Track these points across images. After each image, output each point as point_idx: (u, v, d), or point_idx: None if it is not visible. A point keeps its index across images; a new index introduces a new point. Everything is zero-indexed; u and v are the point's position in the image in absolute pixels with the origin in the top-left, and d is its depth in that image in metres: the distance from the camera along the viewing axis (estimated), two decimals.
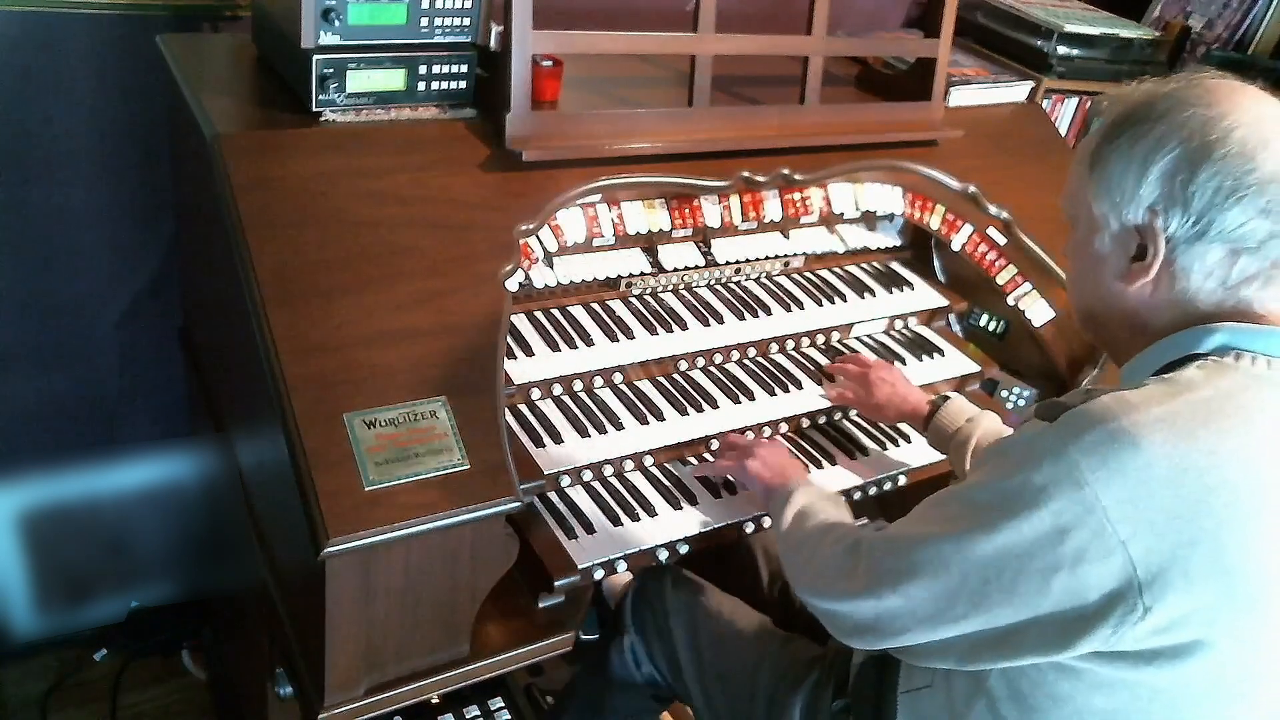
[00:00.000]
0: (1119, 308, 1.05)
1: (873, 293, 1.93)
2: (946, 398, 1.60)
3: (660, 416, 1.57)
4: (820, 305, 1.85)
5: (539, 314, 1.63)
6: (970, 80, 2.12)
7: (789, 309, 1.81)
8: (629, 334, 1.63)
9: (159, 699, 2.14)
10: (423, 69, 1.42)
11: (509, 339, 1.50)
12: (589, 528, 1.42)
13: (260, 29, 1.53)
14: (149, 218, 1.85)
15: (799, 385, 1.71)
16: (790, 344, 1.80)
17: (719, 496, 1.53)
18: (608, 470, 1.51)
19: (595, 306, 1.67)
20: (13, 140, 1.68)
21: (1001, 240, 1.89)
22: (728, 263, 1.80)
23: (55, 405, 1.92)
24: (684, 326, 1.68)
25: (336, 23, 1.32)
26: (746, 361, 1.75)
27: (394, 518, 1.09)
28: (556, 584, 1.31)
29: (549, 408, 1.54)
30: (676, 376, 1.67)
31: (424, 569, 1.16)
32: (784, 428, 1.68)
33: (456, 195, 1.38)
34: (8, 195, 1.72)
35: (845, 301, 1.88)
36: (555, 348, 1.56)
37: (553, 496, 1.45)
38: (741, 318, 1.75)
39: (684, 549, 1.44)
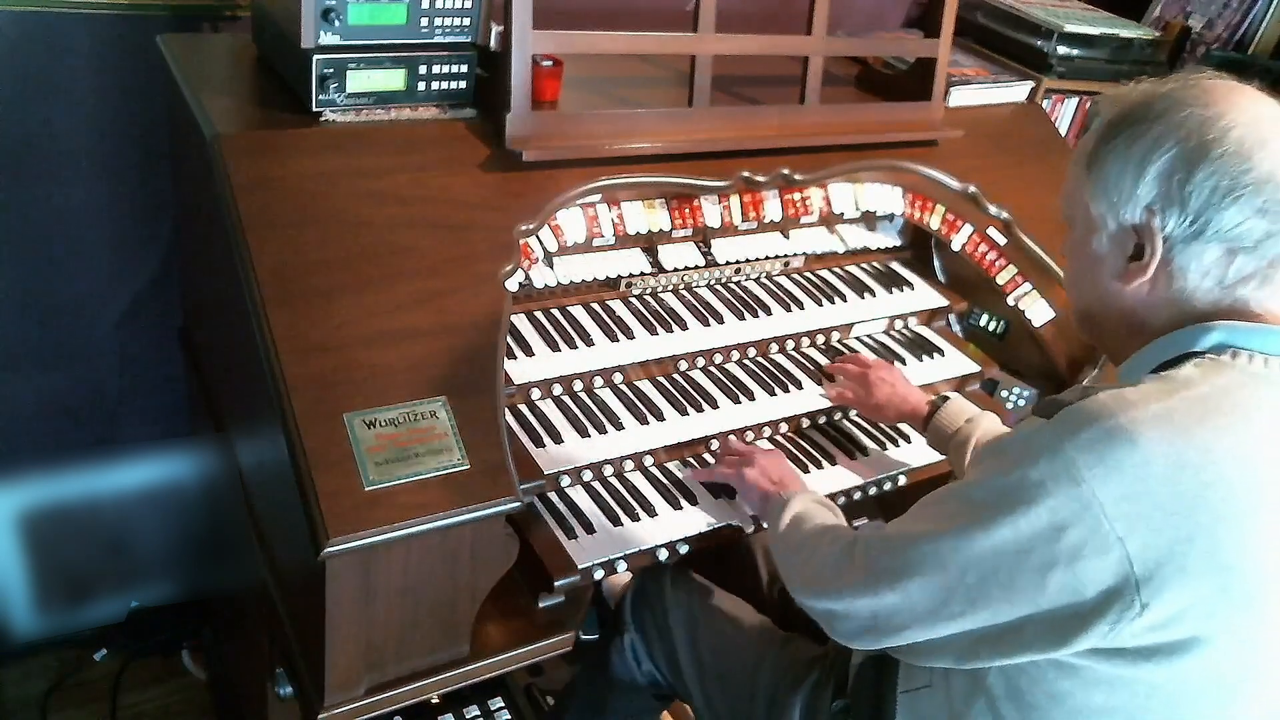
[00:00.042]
0: (1116, 307, 1.05)
1: (873, 293, 1.93)
2: (946, 398, 1.60)
3: (660, 416, 1.57)
4: (820, 305, 1.85)
5: (539, 314, 1.63)
6: (970, 80, 2.12)
7: (789, 309, 1.81)
8: (629, 334, 1.63)
9: (159, 699, 2.14)
10: (423, 69, 1.42)
11: (509, 339, 1.50)
12: (589, 528, 1.42)
13: (260, 29, 1.53)
14: (149, 218, 1.85)
15: (799, 385, 1.71)
16: (790, 344, 1.80)
17: (719, 497, 1.53)
18: (608, 470, 1.51)
19: (595, 306, 1.67)
20: (13, 140, 1.68)
21: (1001, 240, 1.89)
22: (728, 263, 1.80)
23: (55, 405, 1.92)
24: (684, 326, 1.68)
25: (336, 23, 1.32)
26: (746, 361, 1.75)
27: (394, 518, 1.09)
28: (556, 584, 1.31)
29: (549, 408, 1.54)
30: (676, 376, 1.67)
31: (424, 569, 1.16)
32: (784, 428, 1.68)
33: (456, 195, 1.38)
34: (8, 195, 1.72)
35: (845, 301, 1.88)
36: (555, 348, 1.56)
37: (553, 496, 1.45)
38: (741, 318, 1.75)
39: (684, 549, 1.44)
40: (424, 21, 1.39)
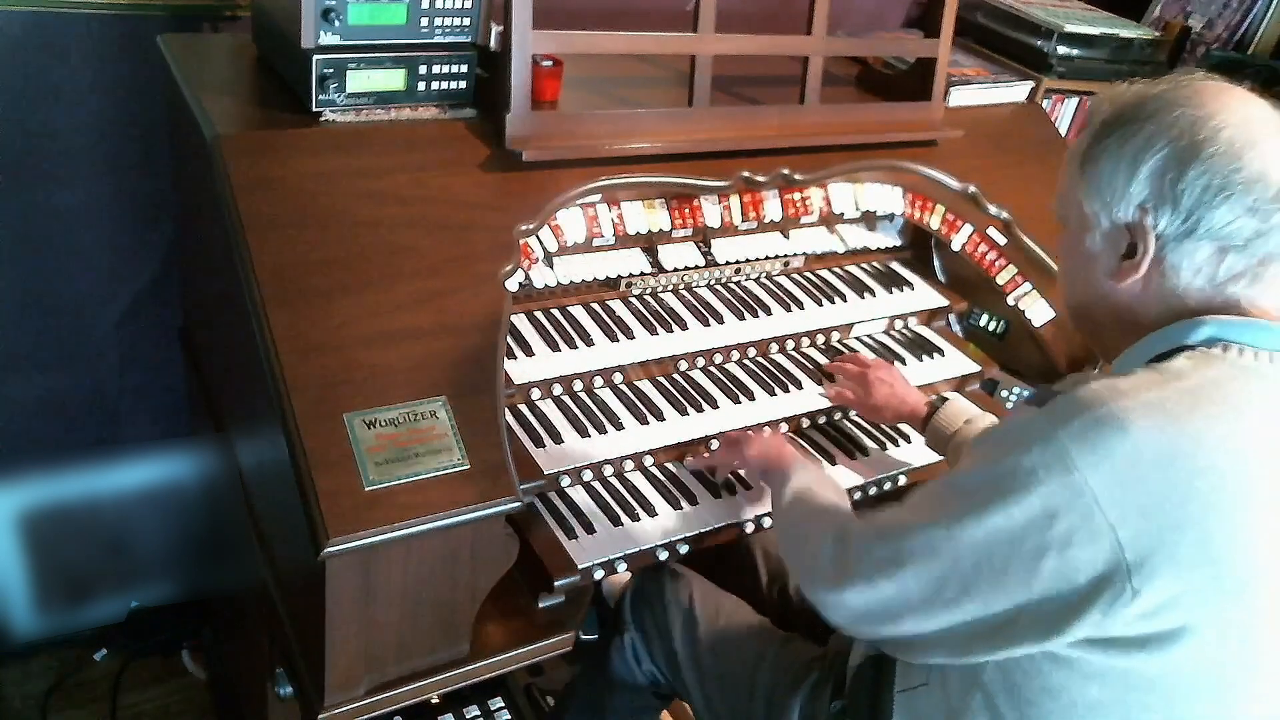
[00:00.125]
0: (1110, 305, 1.06)
1: (873, 293, 1.93)
2: (945, 399, 1.60)
3: (660, 416, 1.57)
4: (820, 305, 1.85)
5: (539, 314, 1.63)
6: (970, 80, 2.12)
7: (789, 309, 1.81)
8: (629, 334, 1.63)
9: (159, 699, 2.14)
10: (423, 69, 1.42)
11: (509, 339, 1.50)
12: (589, 528, 1.42)
13: (260, 29, 1.53)
14: (149, 218, 1.85)
15: (799, 385, 1.71)
16: (790, 344, 1.80)
17: (719, 496, 1.53)
18: (608, 470, 1.51)
19: (595, 306, 1.67)
20: (13, 140, 1.68)
21: (1001, 240, 1.89)
22: (728, 263, 1.80)
23: (55, 405, 1.92)
24: (684, 326, 1.68)
25: (336, 23, 1.32)
26: (746, 361, 1.75)
27: (394, 518, 1.09)
28: (556, 584, 1.31)
29: (549, 408, 1.54)
30: (676, 376, 1.67)
31: (424, 569, 1.16)
32: (784, 428, 1.68)
33: (456, 195, 1.38)
34: (8, 195, 1.72)
35: (845, 301, 1.88)
36: (555, 348, 1.56)
37: (553, 496, 1.45)
38: (741, 318, 1.75)
39: (684, 549, 1.44)
40: (424, 21, 1.39)
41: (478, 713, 1.60)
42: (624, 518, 1.44)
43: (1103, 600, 0.90)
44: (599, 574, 1.38)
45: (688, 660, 1.48)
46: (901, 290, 1.97)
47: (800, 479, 1.32)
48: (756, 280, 1.86)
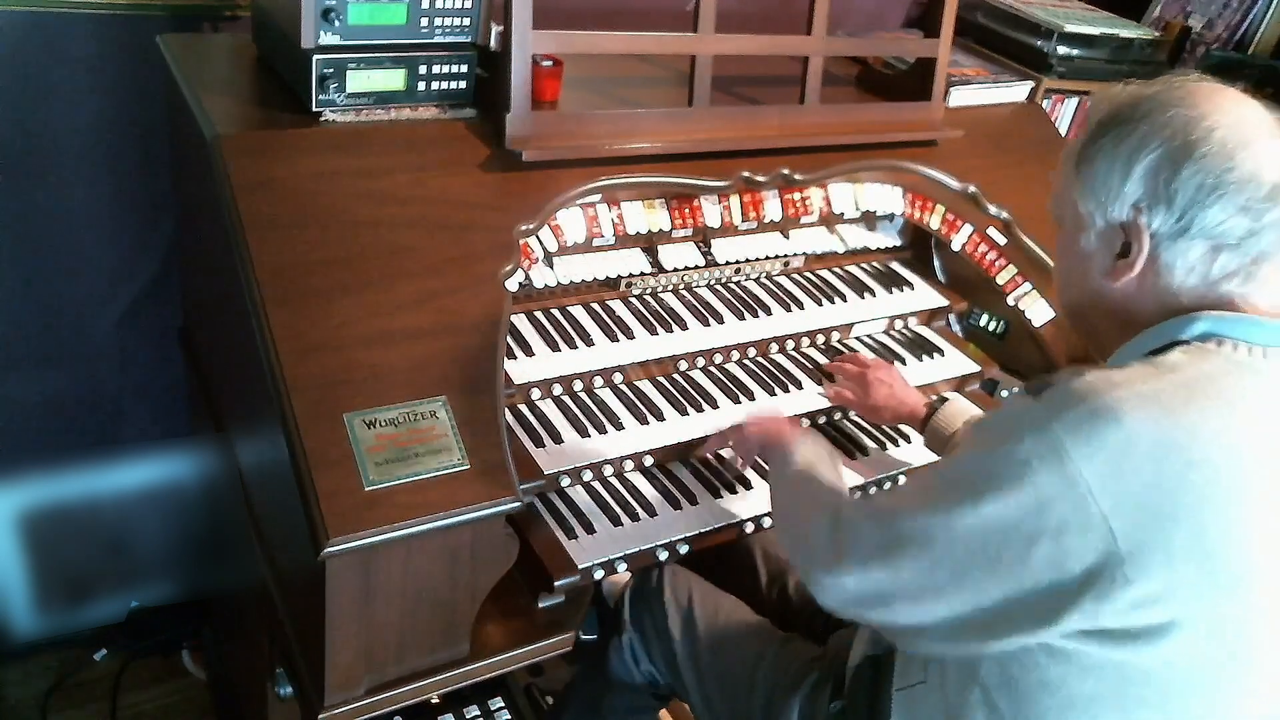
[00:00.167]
0: (1105, 303, 1.07)
1: (873, 293, 1.93)
2: (945, 399, 1.60)
3: (660, 416, 1.57)
4: (820, 305, 1.85)
5: (539, 314, 1.63)
6: (970, 80, 2.12)
7: (789, 309, 1.81)
8: (629, 334, 1.63)
9: (159, 699, 2.14)
10: (423, 69, 1.42)
11: (509, 339, 1.50)
12: (589, 528, 1.42)
13: (260, 29, 1.53)
14: (149, 218, 1.85)
15: (799, 385, 1.71)
16: (790, 344, 1.80)
17: (719, 496, 1.53)
18: (608, 470, 1.52)
19: (595, 306, 1.67)
20: (13, 140, 1.68)
21: (1001, 240, 1.89)
22: (728, 263, 1.80)
23: (55, 405, 1.92)
24: (684, 326, 1.68)
25: (336, 23, 1.32)
26: (746, 361, 1.75)
27: (394, 518, 1.09)
28: (556, 584, 1.31)
29: (549, 408, 1.54)
30: (676, 376, 1.67)
31: (424, 569, 1.16)
32: None
33: (456, 195, 1.38)
34: (8, 195, 1.72)
35: (845, 301, 1.88)
36: (555, 348, 1.56)
37: (553, 496, 1.45)
38: (741, 318, 1.75)
39: (684, 549, 1.44)
40: (424, 21, 1.39)
41: (478, 713, 1.60)
42: (624, 518, 1.44)
43: (1095, 590, 0.90)
44: (599, 574, 1.38)
45: (686, 660, 1.48)
46: (901, 290, 1.97)
47: (797, 458, 1.32)
48: (756, 280, 1.86)
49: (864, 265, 2.01)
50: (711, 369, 1.71)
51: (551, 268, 1.62)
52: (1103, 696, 0.96)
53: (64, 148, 1.72)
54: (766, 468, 1.44)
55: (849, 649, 1.33)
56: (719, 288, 1.81)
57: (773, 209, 1.74)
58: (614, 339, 1.61)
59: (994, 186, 1.89)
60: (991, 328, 1.99)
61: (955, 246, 1.91)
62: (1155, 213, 1.00)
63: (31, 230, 1.76)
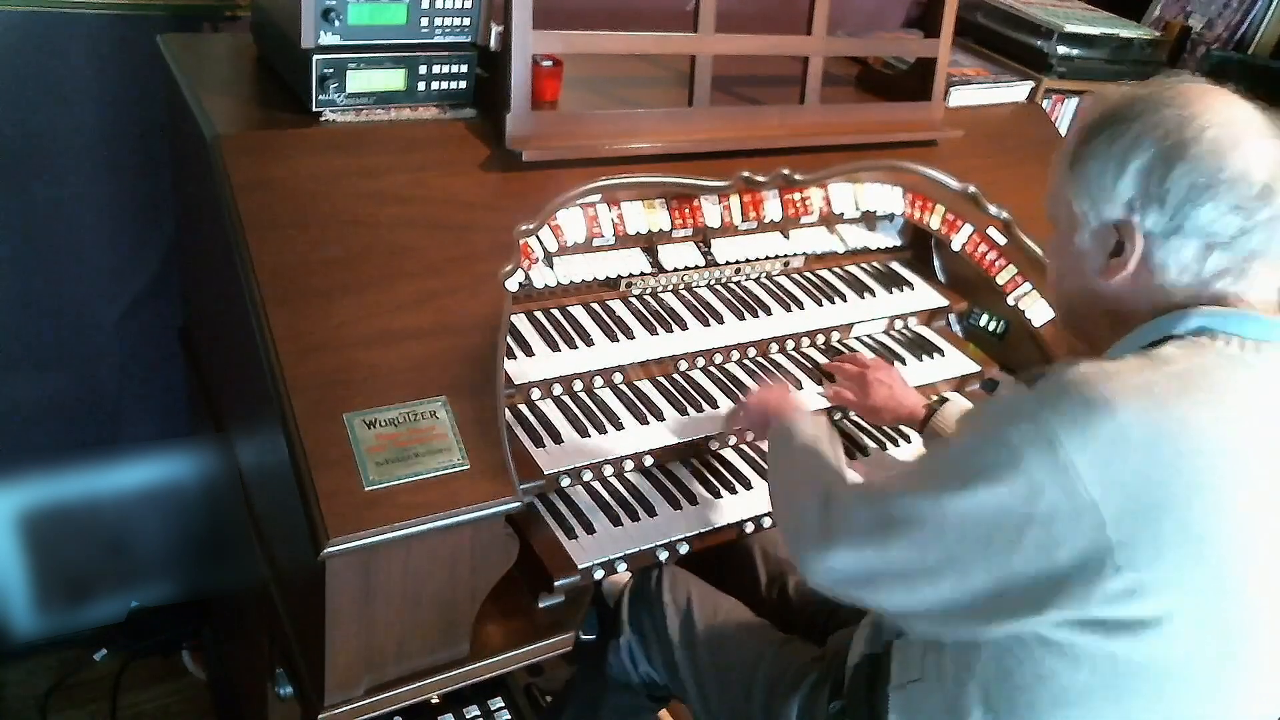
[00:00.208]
0: (1099, 302, 1.08)
1: (873, 293, 1.93)
2: (944, 400, 1.60)
3: (660, 416, 1.57)
4: (820, 305, 1.85)
5: (539, 314, 1.63)
6: (970, 80, 2.12)
7: (789, 309, 1.81)
8: (629, 334, 1.63)
9: (159, 699, 2.14)
10: (423, 69, 1.42)
11: (509, 339, 1.50)
12: (589, 528, 1.42)
13: (260, 29, 1.53)
14: (149, 218, 1.85)
15: (799, 385, 1.71)
16: (790, 344, 1.80)
17: (719, 496, 1.53)
18: (608, 470, 1.52)
19: (595, 306, 1.67)
20: (13, 140, 1.68)
21: (1001, 240, 1.89)
22: (728, 263, 1.80)
23: (55, 405, 1.92)
24: (684, 326, 1.68)
25: (336, 23, 1.32)
26: (746, 361, 1.75)
27: (394, 518, 1.09)
28: (556, 584, 1.31)
29: (549, 408, 1.54)
30: (676, 376, 1.67)
31: (424, 569, 1.16)
32: None
33: (456, 195, 1.38)
34: (8, 195, 1.72)
35: (845, 301, 1.88)
36: (555, 348, 1.56)
37: (553, 496, 1.45)
38: (741, 318, 1.75)
39: (684, 549, 1.44)
40: (424, 21, 1.39)
41: (478, 713, 1.60)
42: (624, 518, 1.45)
43: (1085, 577, 0.91)
44: (599, 574, 1.38)
45: (685, 662, 1.48)
46: (901, 290, 1.97)
47: (796, 434, 1.32)
48: (756, 280, 1.86)
49: (864, 265, 2.01)
50: (711, 369, 1.71)
51: (551, 268, 1.62)
52: (1097, 688, 0.97)
53: (64, 147, 1.72)
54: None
55: (848, 649, 1.33)
56: (719, 288, 1.81)
57: (773, 209, 1.74)
58: (614, 339, 1.61)
59: (994, 186, 1.89)
60: (991, 328, 1.99)
61: (955, 246, 1.91)
62: (1148, 212, 1.01)
63: (31, 230, 1.76)
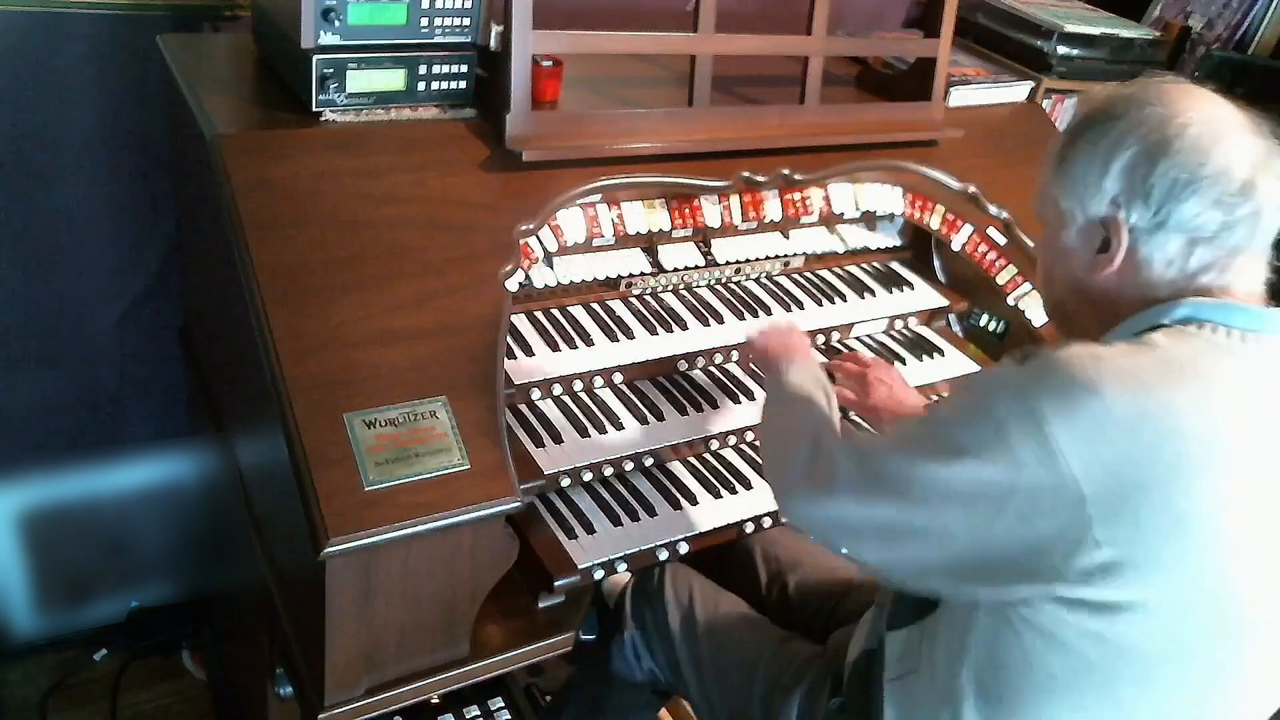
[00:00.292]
0: (1087, 298, 1.10)
1: (873, 293, 1.93)
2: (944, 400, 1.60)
3: (660, 416, 1.57)
4: (820, 305, 1.85)
5: (539, 314, 1.63)
6: (970, 80, 2.12)
7: (789, 309, 1.81)
8: (629, 334, 1.63)
9: (159, 699, 2.14)
10: (423, 69, 1.42)
11: (509, 339, 1.50)
12: (589, 528, 1.42)
13: (260, 29, 1.53)
14: (149, 218, 1.85)
15: None
16: None
17: (719, 497, 1.53)
18: (608, 470, 1.51)
19: (595, 306, 1.67)
20: (13, 140, 1.68)
21: (1001, 240, 1.89)
22: (728, 263, 1.80)
23: (55, 405, 1.92)
24: (684, 326, 1.68)
25: (336, 23, 1.32)
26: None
27: (394, 518, 1.09)
28: (556, 584, 1.32)
29: (549, 408, 1.54)
30: (676, 376, 1.67)
31: (424, 569, 1.16)
32: None
33: (456, 195, 1.38)
34: (8, 195, 1.72)
35: (845, 301, 1.88)
36: (555, 348, 1.56)
37: (553, 496, 1.45)
38: (741, 318, 1.75)
39: (684, 549, 1.45)
40: (424, 21, 1.39)
41: (478, 713, 1.60)
42: (624, 518, 1.45)
43: (1064, 548, 0.92)
44: (599, 574, 1.38)
45: (687, 658, 1.48)
46: (901, 290, 1.97)
47: (793, 379, 1.34)
48: (756, 280, 1.86)
49: (864, 265, 2.01)
50: (711, 369, 1.71)
51: (551, 268, 1.62)
52: (1086, 671, 0.98)
53: (64, 147, 1.72)
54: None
55: (848, 647, 1.33)
56: (719, 288, 1.81)
57: (773, 209, 1.74)
58: (614, 339, 1.61)
59: (994, 186, 1.89)
60: (991, 328, 1.99)
61: (955, 246, 1.91)
62: (1133, 208, 1.03)
63: (31, 230, 1.76)
